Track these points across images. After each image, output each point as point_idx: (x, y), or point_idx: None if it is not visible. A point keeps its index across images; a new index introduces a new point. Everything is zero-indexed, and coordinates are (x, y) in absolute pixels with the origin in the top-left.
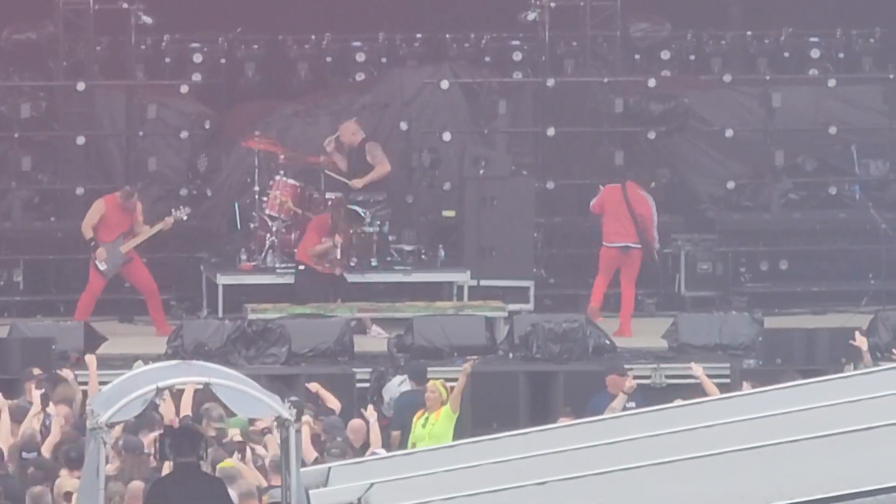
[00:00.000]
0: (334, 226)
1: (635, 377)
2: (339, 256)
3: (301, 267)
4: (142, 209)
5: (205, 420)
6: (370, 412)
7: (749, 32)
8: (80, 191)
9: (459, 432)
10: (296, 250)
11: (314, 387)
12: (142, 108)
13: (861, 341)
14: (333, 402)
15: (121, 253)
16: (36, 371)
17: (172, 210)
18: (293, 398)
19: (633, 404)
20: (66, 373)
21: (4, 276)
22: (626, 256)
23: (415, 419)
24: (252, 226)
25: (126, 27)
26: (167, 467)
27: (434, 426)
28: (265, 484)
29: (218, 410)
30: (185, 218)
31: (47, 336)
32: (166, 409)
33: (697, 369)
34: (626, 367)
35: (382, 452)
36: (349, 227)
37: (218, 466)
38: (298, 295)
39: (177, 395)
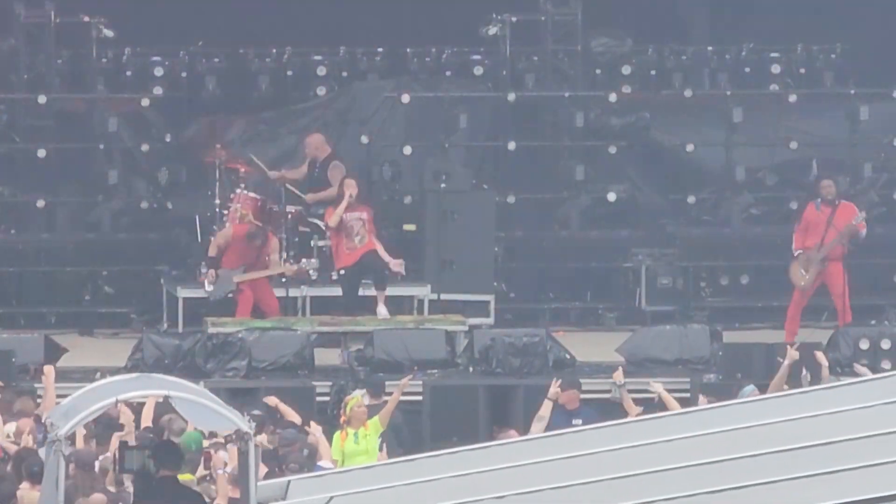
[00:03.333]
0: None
1: (594, 391)
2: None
3: (342, 272)
4: (277, 247)
5: (166, 433)
6: (314, 427)
7: (710, 48)
8: (40, 203)
9: (418, 446)
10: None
11: (272, 401)
12: (102, 121)
13: (821, 357)
14: (293, 417)
15: (232, 281)
16: None
17: (303, 260)
18: (254, 412)
19: (579, 421)
20: (48, 370)
21: None
22: None
23: (339, 437)
24: (212, 239)
25: (87, 40)
26: (125, 480)
27: (367, 440)
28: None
29: (179, 424)
30: (311, 273)
31: (7, 349)
32: (125, 421)
33: (657, 386)
34: (584, 381)
35: (328, 465)
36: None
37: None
38: (345, 298)
39: (137, 408)
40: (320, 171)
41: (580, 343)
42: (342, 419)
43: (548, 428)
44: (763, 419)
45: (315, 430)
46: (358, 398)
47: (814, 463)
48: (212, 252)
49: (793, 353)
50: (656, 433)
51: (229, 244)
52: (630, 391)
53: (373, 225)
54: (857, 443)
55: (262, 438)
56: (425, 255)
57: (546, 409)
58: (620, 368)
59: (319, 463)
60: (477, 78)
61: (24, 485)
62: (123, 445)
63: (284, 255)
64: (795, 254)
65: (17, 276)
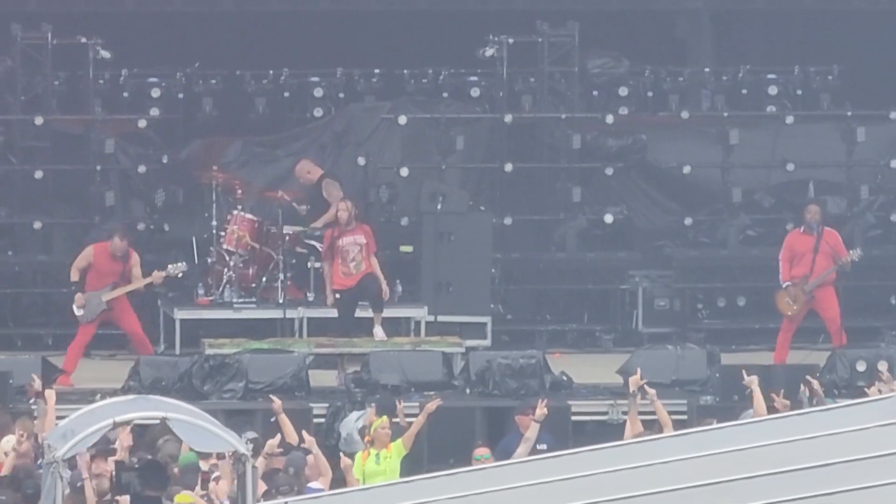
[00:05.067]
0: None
1: (592, 413)
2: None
3: (337, 296)
4: (139, 261)
5: (161, 454)
6: (308, 439)
7: (707, 69)
8: (37, 225)
9: (416, 468)
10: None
11: (278, 407)
12: (99, 142)
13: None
14: (291, 436)
15: (101, 301)
16: None
17: (168, 266)
18: (249, 433)
19: (544, 446)
20: (49, 394)
21: None
22: None
23: (361, 457)
24: (209, 260)
25: (84, 62)
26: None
27: (388, 462)
28: None
29: (173, 446)
30: (179, 275)
31: (4, 370)
32: (121, 442)
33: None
34: (580, 403)
35: (319, 486)
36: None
37: (175, 500)
38: (340, 320)
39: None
40: (313, 195)
41: (577, 365)
42: (366, 439)
43: (505, 454)
44: (759, 441)
45: (310, 442)
46: (384, 419)
47: (809, 485)
48: (74, 276)
49: (749, 380)
50: (652, 455)
51: (91, 265)
52: (625, 413)
53: (374, 242)
54: (853, 465)
55: (272, 443)
56: (422, 277)
57: (533, 430)
58: (638, 372)
59: (310, 485)
60: (474, 99)
61: None
62: (120, 465)
63: (282, 276)
64: (784, 285)
65: (13, 297)
